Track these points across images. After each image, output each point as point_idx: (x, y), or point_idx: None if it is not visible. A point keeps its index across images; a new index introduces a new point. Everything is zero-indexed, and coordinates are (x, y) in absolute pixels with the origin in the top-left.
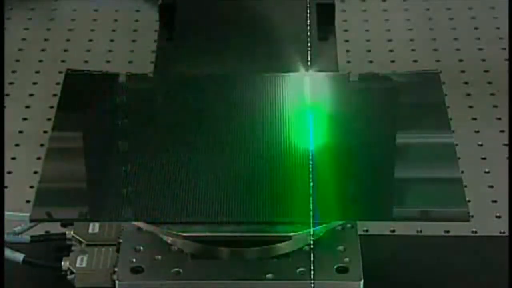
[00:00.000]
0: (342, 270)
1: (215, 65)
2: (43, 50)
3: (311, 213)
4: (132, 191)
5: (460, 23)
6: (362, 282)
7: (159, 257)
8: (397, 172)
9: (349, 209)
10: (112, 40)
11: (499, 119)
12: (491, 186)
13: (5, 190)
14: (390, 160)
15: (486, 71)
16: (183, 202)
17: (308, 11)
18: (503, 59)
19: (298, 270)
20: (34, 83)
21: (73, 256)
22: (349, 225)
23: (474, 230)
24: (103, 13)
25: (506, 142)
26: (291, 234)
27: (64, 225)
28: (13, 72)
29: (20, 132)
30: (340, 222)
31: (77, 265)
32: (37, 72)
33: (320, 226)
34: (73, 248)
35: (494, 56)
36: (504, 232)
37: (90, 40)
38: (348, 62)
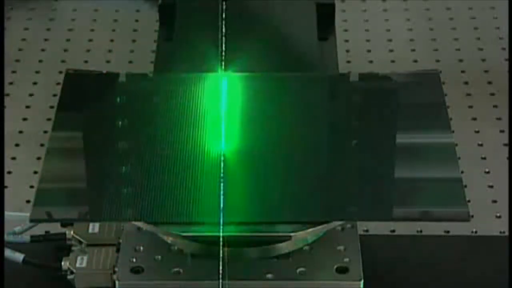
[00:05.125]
0: (342, 270)
1: (214, 65)
2: (43, 50)
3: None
4: (132, 191)
5: (460, 23)
6: (362, 282)
7: (159, 257)
8: (397, 172)
9: (349, 209)
10: (112, 40)
11: (499, 119)
12: (491, 186)
13: (5, 190)
14: (390, 160)
15: (486, 71)
16: (183, 202)
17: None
18: (503, 59)
19: (298, 270)
20: (34, 83)
21: (73, 256)
22: (349, 225)
23: (474, 230)
24: (103, 13)
25: (506, 142)
26: (291, 234)
27: (64, 225)
28: (13, 72)
29: (20, 132)
30: (340, 222)
31: (77, 265)
32: (37, 72)
33: (320, 226)
34: (73, 248)
35: (494, 56)
36: (504, 232)
37: (90, 40)
38: (348, 62)
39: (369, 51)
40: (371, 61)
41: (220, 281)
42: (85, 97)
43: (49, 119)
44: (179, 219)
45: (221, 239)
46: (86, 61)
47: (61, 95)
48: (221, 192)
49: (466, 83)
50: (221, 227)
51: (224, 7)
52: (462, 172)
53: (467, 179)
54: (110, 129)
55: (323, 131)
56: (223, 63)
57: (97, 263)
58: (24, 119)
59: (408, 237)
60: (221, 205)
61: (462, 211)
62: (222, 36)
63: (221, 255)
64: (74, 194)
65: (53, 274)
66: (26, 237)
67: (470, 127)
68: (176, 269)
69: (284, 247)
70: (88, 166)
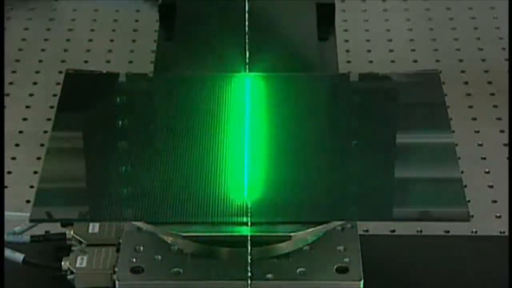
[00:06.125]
0: (342, 270)
1: (215, 65)
2: (43, 50)
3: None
4: (132, 191)
5: (460, 23)
6: (362, 282)
7: (159, 257)
8: (397, 172)
9: (349, 209)
10: (112, 40)
11: (499, 119)
12: (491, 186)
13: (5, 190)
14: (390, 160)
15: (486, 71)
16: (183, 202)
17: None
18: (503, 59)
19: (298, 270)
20: (34, 83)
21: (73, 256)
22: (349, 225)
23: (474, 230)
24: (103, 13)
25: (506, 142)
26: (291, 234)
27: (64, 225)
28: (13, 72)
29: (20, 132)
30: (340, 222)
31: (77, 265)
32: (37, 72)
33: (320, 226)
34: (73, 248)
35: (494, 56)
36: (504, 232)
37: (90, 40)
38: (348, 62)
39: (369, 51)
40: (371, 61)
41: (248, 281)
42: (85, 97)
43: (49, 119)
44: (179, 219)
45: (248, 238)
46: (86, 61)
47: (61, 95)
48: (244, 190)
49: (466, 83)
50: (248, 226)
51: (245, 8)
52: (462, 172)
53: (467, 179)
54: (110, 129)
55: (322, 131)
56: (245, 63)
57: (97, 263)
58: (24, 119)
59: (408, 237)
60: (247, 204)
61: (462, 211)
62: (245, 38)
63: (248, 254)
64: (74, 194)
65: (53, 274)
66: (26, 237)
67: (470, 127)
68: (176, 269)
69: (284, 247)
70: (88, 166)
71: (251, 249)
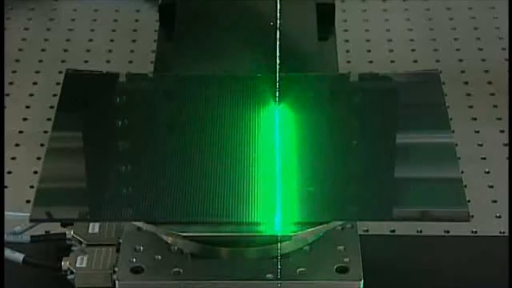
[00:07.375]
0: (342, 270)
1: (214, 65)
2: (43, 50)
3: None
4: (132, 191)
5: (460, 23)
6: (362, 282)
7: (159, 257)
8: (397, 172)
9: (349, 209)
10: (112, 40)
11: (499, 119)
12: (491, 186)
13: (5, 190)
14: (390, 160)
15: (486, 71)
16: (183, 202)
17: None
18: (503, 59)
19: (298, 270)
20: (34, 83)
21: (73, 256)
22: (349, 225)
23: (474, 230)
24: (103, 13)
25: (506, 142)
26: (291, 234)
27: (64, 225)
28: (13, 72)
29: (20, 132)
30: (340, 222)
31: (77, 265)
32: (37, 72)
33: (320, 226)
34: (73, 248)
35: (494, 56)
36: (504, 232)
37: (90, 40)
38: (348, 62)
39: (369, 51)
40: (371, 61)
41: (279, 282)
42: (85, 97)
43: (49, 119)
44: (180, 219)
45: (278, 238)
46: (86, 61)
47: (61, 95)
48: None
49: (466, 83)
50: (279, 227)
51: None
52: (462, 172)
53: (467, 179)
54: (110, 129)
55: (322, 131)
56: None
57: (97, 263)
58: (24, 119)
59: (408, 237)
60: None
61: (462, 211)
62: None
63: (278, 253)
64: (74, 194)
65: (53, 274)
66: (26, 237)
67: (470, 127)
68: (176, 269)
69: (284, 247)
70: (88, 166)
71: (250, 249)
